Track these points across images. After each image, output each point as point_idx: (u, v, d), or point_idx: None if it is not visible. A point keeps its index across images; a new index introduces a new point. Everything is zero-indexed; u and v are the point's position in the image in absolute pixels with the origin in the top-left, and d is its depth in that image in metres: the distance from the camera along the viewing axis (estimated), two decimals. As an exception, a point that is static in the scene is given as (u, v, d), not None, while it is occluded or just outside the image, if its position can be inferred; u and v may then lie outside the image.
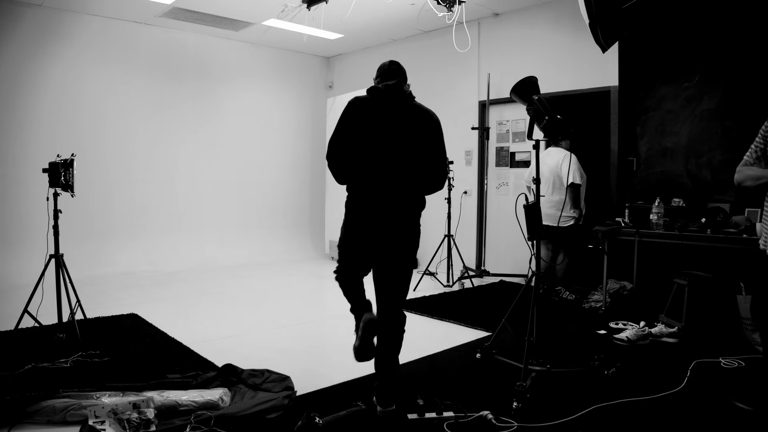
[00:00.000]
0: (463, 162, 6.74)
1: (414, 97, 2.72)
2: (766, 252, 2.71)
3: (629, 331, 3.89)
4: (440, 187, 2.74)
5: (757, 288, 2.88)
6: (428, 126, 2.64)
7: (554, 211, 4.79)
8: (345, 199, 2.67)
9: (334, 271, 2.74)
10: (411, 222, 2.64)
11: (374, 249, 2.61)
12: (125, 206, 6.80)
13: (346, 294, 2.74)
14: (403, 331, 2.73)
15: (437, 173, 2.68)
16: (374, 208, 2.56)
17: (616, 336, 3.87)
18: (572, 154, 4.88)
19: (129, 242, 6.78)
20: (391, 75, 2.69)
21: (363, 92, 2.69)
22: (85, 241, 6.31)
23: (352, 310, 2.72)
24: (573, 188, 4.82)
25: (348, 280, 2.70)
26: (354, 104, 2.61)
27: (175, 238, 7.16)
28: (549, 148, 5.11)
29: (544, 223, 4.59)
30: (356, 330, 2.65)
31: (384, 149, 2.57)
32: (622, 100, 5.39)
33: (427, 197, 2.72)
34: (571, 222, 4.90)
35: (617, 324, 4.25)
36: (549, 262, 5.07)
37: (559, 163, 4.93)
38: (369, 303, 2.69)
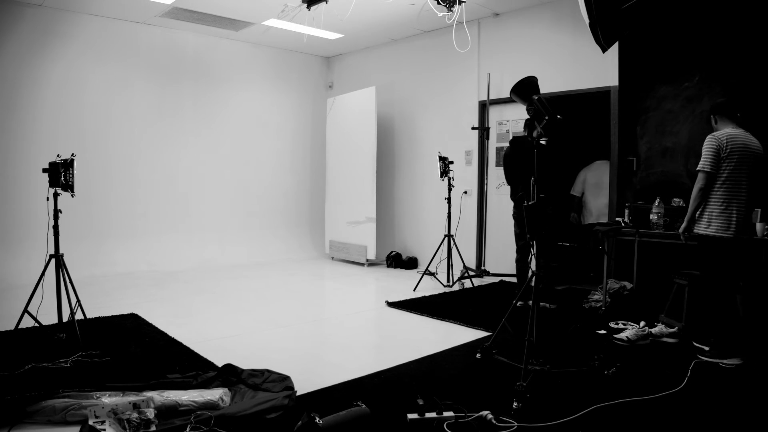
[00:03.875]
0: (463, 162, 6.74)
1: (538, 140, 4.54)
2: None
3: (629, 331, 3.88)
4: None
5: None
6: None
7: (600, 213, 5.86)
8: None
9: (516, 251, 5.00)
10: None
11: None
12: (126, 206, 6.80)
13: (518, 273, 5.00)
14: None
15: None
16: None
17: (616, 336, 3.87)
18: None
19: (129, 242, 6.78)
20: (524, 126, 4.86)
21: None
22: (85, 241, 6.32)
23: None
24: None
25: (521, 261, 4.89)
26: (510, 144, 5.03)
27: (175, 238, 7.17)
28: (593, 163, 5.99)
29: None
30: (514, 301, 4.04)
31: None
32: (622, 100, 5.39)
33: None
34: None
35: (617, 324, 4.25)
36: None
37: (602, 174, 5.79)
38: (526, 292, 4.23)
